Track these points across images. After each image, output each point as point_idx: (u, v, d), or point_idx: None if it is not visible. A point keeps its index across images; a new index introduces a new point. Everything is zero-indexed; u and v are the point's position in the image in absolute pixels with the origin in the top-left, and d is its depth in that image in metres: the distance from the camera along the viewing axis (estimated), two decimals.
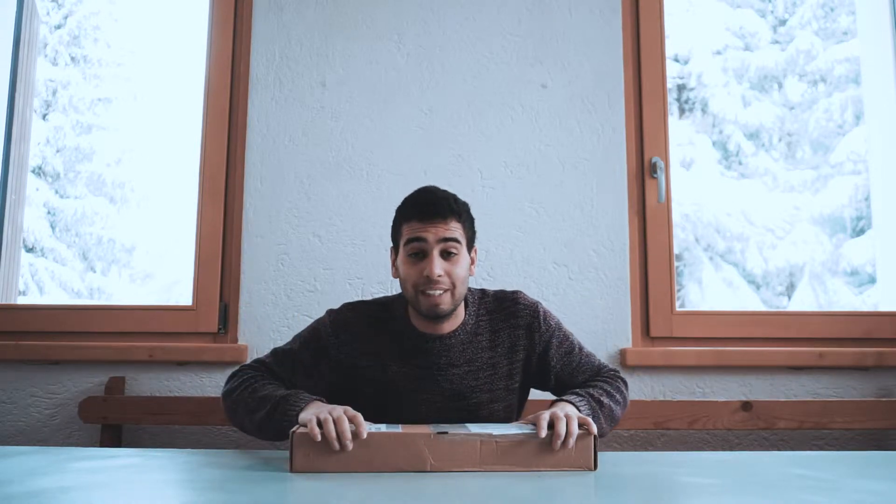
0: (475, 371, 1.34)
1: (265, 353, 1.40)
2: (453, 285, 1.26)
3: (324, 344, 1.35)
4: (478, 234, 1.88)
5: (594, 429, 1.10)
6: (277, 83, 1.97)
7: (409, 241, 1.27)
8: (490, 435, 1.06)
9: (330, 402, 1.21)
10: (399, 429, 1.11)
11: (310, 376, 1.34)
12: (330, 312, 1.39)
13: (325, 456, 1.04)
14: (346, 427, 1.05)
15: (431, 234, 1.25)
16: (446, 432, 1.06)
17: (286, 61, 1.98)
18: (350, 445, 1.04)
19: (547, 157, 1.95)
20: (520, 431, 1.09)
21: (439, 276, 1.24)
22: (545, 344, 1.37)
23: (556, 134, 1.96)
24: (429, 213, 1.27)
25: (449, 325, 1.33)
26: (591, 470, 1.06)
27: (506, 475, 1.02)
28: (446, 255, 1.26)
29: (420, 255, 1.27)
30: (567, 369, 1.40)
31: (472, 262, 1.36)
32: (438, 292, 1.25)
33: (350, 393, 1.35)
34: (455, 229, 1.27)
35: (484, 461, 1.05)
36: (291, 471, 1.04)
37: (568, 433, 1.07)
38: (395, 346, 1.34)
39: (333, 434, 1.04)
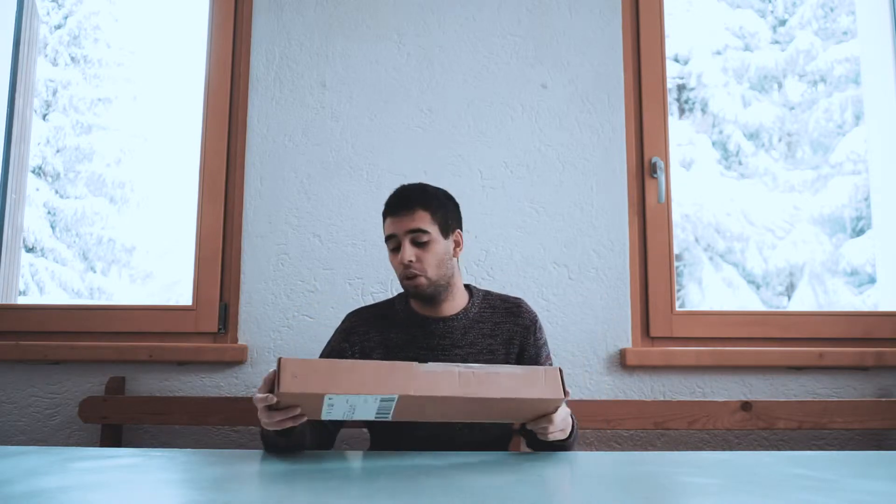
0: (476, 353, 1.43)
1: None
2: (425, 269, 1.38)
3: (339, 352, 1.47)
4: (478, 235, 1.89)
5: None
6: (277, 83, 1.97)
7: (387, 238, 1.43)
8: (469, 366, 1.13)
9: None
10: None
11: None
12: (340, 325, 1.52)
13: (311, 377, 1.07)
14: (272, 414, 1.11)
15: (400, 227, 1.39)
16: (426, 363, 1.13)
17: (286, 61, 1.98)
18: (279, 418, 1.11)
19: (547, 157, 1.95)
20: (498, 369, 1.15)
21: (409, 261, 1.37)
22: (537, 350, 1.48)
23: (556, 134, 1.96)
24: (396, 207, 1.41)
25: (449, 308, 1.45)
26: (563, 398, 1.14)
27: (507, 475, 1.03)
28: (416, 243, 1.39)
29: (397, 248, 1.41)
30: None
31: (457, 244, 1.46)
32: (413, 276, 1.38)
33: None
34: (421, 219, 1.39)
35: (463, 388, 1.11)
36: (277, 392, 1.05)
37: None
38: (401, 334, 1.45)
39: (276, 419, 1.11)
